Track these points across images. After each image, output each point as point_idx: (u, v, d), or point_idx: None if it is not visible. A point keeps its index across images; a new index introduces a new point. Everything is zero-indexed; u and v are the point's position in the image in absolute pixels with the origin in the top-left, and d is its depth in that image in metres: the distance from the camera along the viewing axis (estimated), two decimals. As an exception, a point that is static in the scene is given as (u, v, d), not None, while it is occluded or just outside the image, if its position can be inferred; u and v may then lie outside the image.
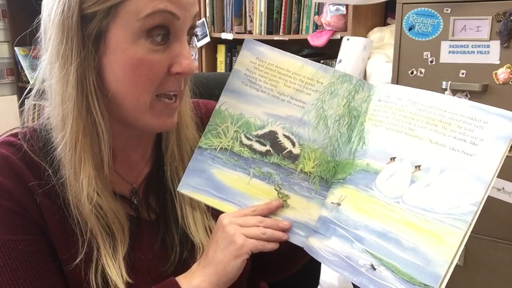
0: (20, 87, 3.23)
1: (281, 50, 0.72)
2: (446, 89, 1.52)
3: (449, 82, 1.56)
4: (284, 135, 0.73)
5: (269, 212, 0.71)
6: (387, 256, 0.59)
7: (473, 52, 1.53)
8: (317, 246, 0.68)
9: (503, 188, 1.48)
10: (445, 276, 0.56)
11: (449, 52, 1.57)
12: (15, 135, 0.69)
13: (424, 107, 0.64)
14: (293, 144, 0.72)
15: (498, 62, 1.50)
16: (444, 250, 0.56)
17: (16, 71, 3.30)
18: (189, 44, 0.67)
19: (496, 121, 0.58)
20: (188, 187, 0.74)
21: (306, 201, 0.72)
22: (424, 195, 0.59)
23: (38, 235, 0.66)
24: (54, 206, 0.66)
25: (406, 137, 0.63)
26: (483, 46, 1.51)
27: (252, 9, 2.56)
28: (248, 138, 0.73)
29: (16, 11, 3.13)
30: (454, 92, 1.54)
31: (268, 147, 0.73)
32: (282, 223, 0.70)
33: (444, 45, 1.59)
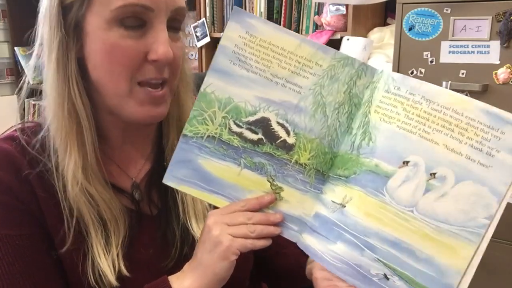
0: (19, 87, 3.17)
1: (275, 24, 0.65)
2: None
3: (449, 82, 1.55)
4: (277, 122, 0.66)
5: (260, 208, 0.66)
6: (400, 266, 0.58)
7: (473, 52, 1.54)
8: (318, 248, 0.64)
9: None
10: (458, 287, 0.56)
11: (449, 52, 1.58)
12: (18, 130, 0.71)
13: (440, 107, 0.58)
14: (288, 132, 0.66)
15: (498, 62, 1.49)
16: (457, 263, 0.56)
17: (16, 71, 3.31)
18: (175, 36, 0.69)
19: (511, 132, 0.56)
20: (174, 179, 0.67)
21: (300, 195, 0.66)
22: (439, 205, 0.57)
23: (35, 229, 0.67)
24: (50, 197, 0.67)
25: (420, 140, 0.58)
26: (483, 46, 1.51)
27: (252, 9, 2.54)
28: (238, 125, 0.67)
29: (16, 11, 3.15)
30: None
31: (260, 136, 0.66)
32: (273, 217, 0.65)
33: (444, 45, 1.59)
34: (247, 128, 0.66)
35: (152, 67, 0.66)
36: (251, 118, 0.66)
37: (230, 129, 0.67)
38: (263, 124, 0.66)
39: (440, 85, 1.54)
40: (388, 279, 0.58)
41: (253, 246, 0.63)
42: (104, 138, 0.73)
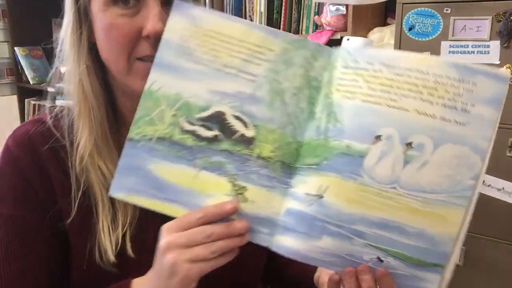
0: (20, 87, 3.23)
1: (221, 13, 0.61)
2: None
3: None
4: (233, 115, 0.60)
5: (222, 218, 0.57)
6: (392, 246, 0.56)
7: (473, 52, 1.52)
8: (300, 247, 0.57)
9: (503, 188, 1.46)
10: (451, 252, 0.54)
11: (449, 52, 1.56)
12: (49, 112, 0.74)
13: (403, 71, 0.55)
14: (246, 125, 0.60)
15: (498, 62, 1.49)
16: (448, 230, 0.55)
17: (16, 71, 3.27)
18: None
19: (485, 82, 0.53)
20: (122, 189, 0.59)
21: (267, 192, 0.59)
22: (422, 176, 0.54)
23: (39, 215, 0.69)
24: (63, 173, 0.70)
25: (388, 110, 0.55)
26: (483, 46, 1.51)
27: (252, 9, 2.55)
28: (190, 123, 0.60)
29: (16, 11, 3.10)
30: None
31: (215, 132, 0.60)
32: (237, 227, 0.57)
33: (444, 45, 1.57)
34: (200, 125, 0.60)
35: (147, 43, 0.66)
36: (204, 114, 0.60)
37: (182, 128, 0.60)
38: (218, 119, 0.60)
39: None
40: (382, 261, 0.55)
41: (216, 265, 0.57)
42: (121, 118, 0.74)
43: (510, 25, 1.44)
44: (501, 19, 1.46)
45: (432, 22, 1.61)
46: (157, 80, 0.60)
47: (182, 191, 0.59)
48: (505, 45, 1.47)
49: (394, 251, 0.56)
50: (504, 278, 1.52)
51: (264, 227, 0.59)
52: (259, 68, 0.60)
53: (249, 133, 0.60)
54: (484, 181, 1.44)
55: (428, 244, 0.55)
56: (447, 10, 1.56)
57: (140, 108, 0.60)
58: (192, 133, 0.60)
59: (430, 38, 1.63)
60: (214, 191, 0.59)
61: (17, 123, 2.92)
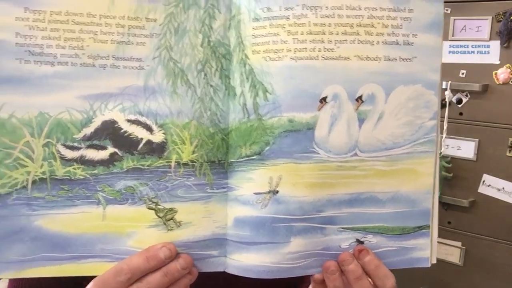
0: None
1: None
2: (446, 89, 1.52)
3: (449, 82, 1.52)
4: (128, 120, 0.44)
5: (157, 267, 0.44)
6: (369, 221, 0.49)
7: (473, 52, 1.54)
8: (267, 261, 0.46)
9: (503, 188, 1.47)
10: (432, 207, 0.49)
11: (449, 52, 1.56)
12: None
13: (331, 11, 0.45)
14: (149, 128, 0.45)
15: (498, 62, 1.50)
16: (423, 182, 0.49)
17: None
18: None
19: (421, 6, 0.47)
20: (10, 265, 0.43)
21: (202, 206, 0.46)
22: (380, 131, 0.47)
23: None
24: None
25: (326, 63, 0.45)
26: (483, 46, 1.52)
27: None
28: (72, 148, 0.43)
29: None
30: (454, 92, 1.54)
31: (110, 149, 0.44)
32: (178, 270, 0.44)
33: (444, 45, 1.57)
34: (88, 147, 0.44)
35: None
36: (88, 130, 0.44)
37: (62, 157, 0.43)
38: (108, 132, 0.44)
39: (440, 85, 1.50)
40: (362, 242, 0.48)
41: None
42: None
43: (510, 25, 1.44)
44: (501, 19, 1.46)
45: (431, 21, 1.62)
46: (5, 103, 0.42)
47: (93, 240, 0.44)
48: (505, 45, 1.48)
49: (372, 226, 0.49)
50: (504, 278, 1.56)
51: (212, 250, 0.46)
52: (143, 49, 0.44)
53: (157, 137, 0.45)
54: (484, 181, 1.45)
55: (405, 206, 0.49)
56: (447, 10, 1.56)
57: None
58: (79, 160, 0.43)
59: (430, 37, 1.64)
60: (135, 227, 0.44)
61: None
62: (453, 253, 1.55)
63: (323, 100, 0.45)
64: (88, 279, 0.44)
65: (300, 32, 0.44)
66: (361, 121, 0.46)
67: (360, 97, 0.46)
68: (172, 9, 0.45)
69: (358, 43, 0.45)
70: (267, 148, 0.45)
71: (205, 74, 0.46)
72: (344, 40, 0.45)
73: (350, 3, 0.45)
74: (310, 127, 0.45)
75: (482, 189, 1.47)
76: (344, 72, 0.45)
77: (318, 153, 0.45)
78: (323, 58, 0.44)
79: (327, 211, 0.47)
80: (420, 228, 0.49)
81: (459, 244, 1.53)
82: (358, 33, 0.45)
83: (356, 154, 0.46)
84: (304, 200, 0.46)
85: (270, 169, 0.45)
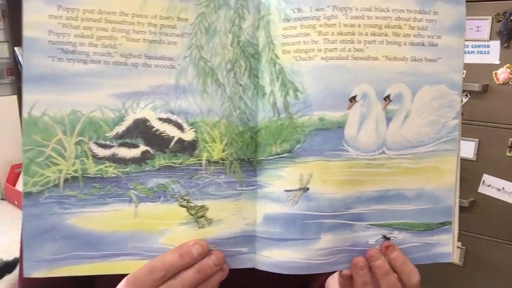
0: (20, 87, 3.07)
1: None
2: (446, 89, 1.55)
3: None
4: (160, 118, 0.45)
5: (190, 264, 0.44)
6: (395, 218, 0.49)
7: (473, 52, 1.55)
8: (297, 258, 0.47)
9: (503, 188, 1.49)
10: (454, 204, 0.50)
11: None
12: None
13: (361, 12, 0.45)
14: (180, 127, 0.45)
15: (498, 62, 1.51)
16: (445, 179, 0.50)
17: (16, 71, 3.24)
18: None
19: (445, 9, 0.48)
20: (41, 264, 0.43)
21: (232, 203, 0.46)
22: (407, 130, 0.49)
23: None
24: None
25: (356, 63, 0.46)
26: (483, 46, 1.53)
27: None
28: (105, 146, 0.44)
29: (16, 11, 3.05)
30: (454, 92, 1.58)
31: (142, 148, 0.44)
32: (211, 266, 0.44)
33: None
34: (120, 145, 0.44)
35: None
36: (120, 128, 0.44)
37: (94, 155, 0.43)
38: (140, 130, 0.44)
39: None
40: (388, 238, 0.49)
41: None
42: None
43: (510, 25, 1.45)
44: (501, 19, 1.48)
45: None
46: (38, 101, 0.42)
47: (125, 238, 0.44)
48: (505, 45, 1.49)
49: (397, 223, 0.49)
50: (504, 278, 1.57)
51: (241, 247, 0.46)
52: (174, 48, 0.44)
53: (188, 135, 0.45)
54: (484, 181, 1.46)
55: (429, 203, 0.50)
56: (447, 10, 1.61)
57: (25, 146, 0.42)
58: (112, 158, 0.44)
59: (430, 38, 1.66)
60: (167, 224, 0.45)
61: (17, 123, 2.99)
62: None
63: (353, 99, 0.45)
64: (97, 276, 0.44)
65: (330, 32, 0.44)
66: (388, 120, 0.47)
67: (388, 96, 0.46)
68: (203, 9, 0.45)
69: (386, 44, 0.46)
70: (298, 146, 0.45)
71: (235, 73, 0.46)
72: (373, 41, 0.45)
73: (379, 4, 0.45)
74: (340, 126, 0.46)
75: (482, 189, 1.49)
76: (372, 72, 0.46)
77: (348, 151, 0.46)
78: (352, 58, 0.45)
79: (356, 208, 0.47)
80: (443, 224, 0.50)
81: (459, 244, 1.55)
82: (386, 34, 0.46)
83: (383, 152, 0.47)
84: (334, 197, 0.46)
85: (300, 166, 0.46)
